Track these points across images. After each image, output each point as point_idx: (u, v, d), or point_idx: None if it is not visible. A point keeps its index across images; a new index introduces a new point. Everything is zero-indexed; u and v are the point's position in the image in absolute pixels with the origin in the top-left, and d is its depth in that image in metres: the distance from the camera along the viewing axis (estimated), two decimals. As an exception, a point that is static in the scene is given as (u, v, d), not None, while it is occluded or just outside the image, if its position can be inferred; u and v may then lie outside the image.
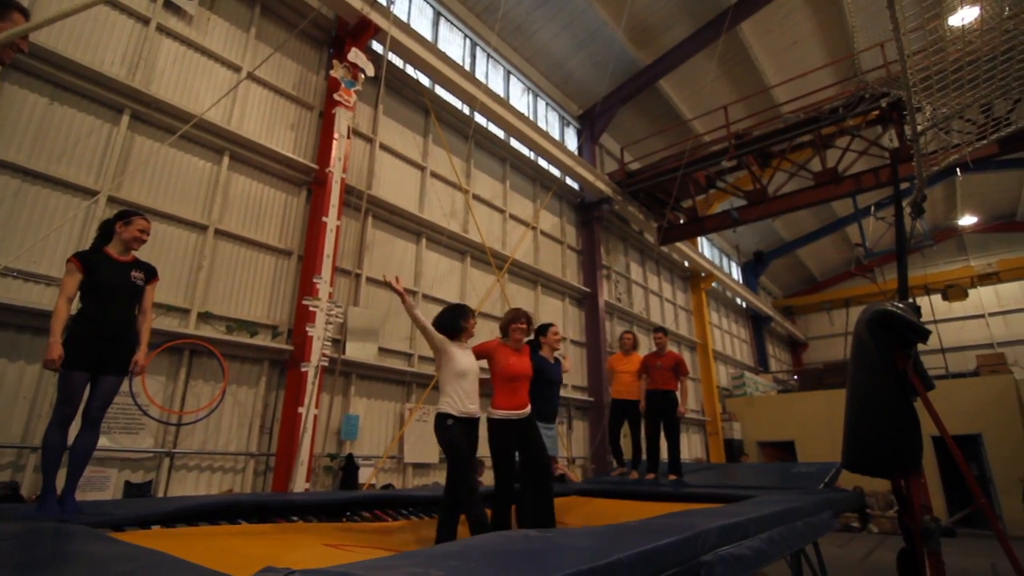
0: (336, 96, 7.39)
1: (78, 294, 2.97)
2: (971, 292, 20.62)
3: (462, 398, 3.41)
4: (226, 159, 6.56)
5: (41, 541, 1.88)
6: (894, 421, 3.23)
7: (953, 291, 19.96)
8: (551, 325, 4.59)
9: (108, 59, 5.74)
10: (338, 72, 7.48)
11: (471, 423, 3.44)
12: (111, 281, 3.01)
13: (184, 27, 6.46)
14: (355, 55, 7.61)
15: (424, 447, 7.95)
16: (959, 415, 11.76)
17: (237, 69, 6.87)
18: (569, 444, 10.86)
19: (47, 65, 5.25)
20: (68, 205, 5.25)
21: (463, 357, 3.50)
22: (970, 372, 14.98)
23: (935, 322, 18.09)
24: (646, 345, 12.54)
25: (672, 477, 5.63)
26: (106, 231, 3.16)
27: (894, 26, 3.33)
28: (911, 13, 3.57)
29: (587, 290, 12.38)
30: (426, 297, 8.63)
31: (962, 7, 4.35)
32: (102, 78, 5.56)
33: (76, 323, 2.91)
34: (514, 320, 3.82)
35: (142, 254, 3.33)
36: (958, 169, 11.50)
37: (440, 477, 8.24)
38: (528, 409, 3.67)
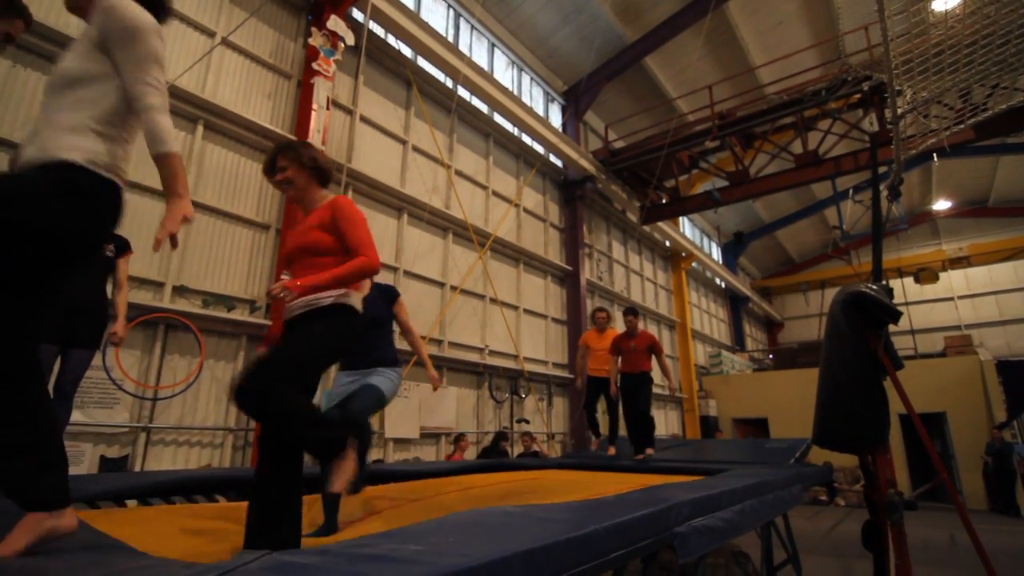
0: (315, 65, 7.19)
1: None
2: (942, 275, 21.19)
3: None
4: (200, 128, 6.37)
5: (3, 519, 1.84)
6: (863, 399, 3.32)
7: (925, 274, 20.47)
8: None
9: (72, 20, 5.48)
10: (317, 40, 7.26)
11: None
12: None
13: (154, -12, 6.19)
14: (335, 23, 7.39)
15: (405, 422, 7.98)
16: (925, 394, 12.18)
17: (211, 34, 6.62)
18: (549, 420, 11.00)
19: (8, 25, 5.00)
20: (34, 173, 5.06)
21: None
22: (937, 353, 15.44)
23: (906, 304, 18.61)
24: (620, 322, 12.66)
25: (649, 452, 5.74)
26: None
27: (879, 8, 3.33)
28: (896, -5, 3.57)
29: (569, 268, 12.41)
30: (407, 274, 8.58)
31: (946, -9, 4.36)
32: (66, 40, 5.31)
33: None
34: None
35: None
36: (935, 154, 11.67)
37: (421, 452, 8.30)
38: (305, 300, 2.00)
